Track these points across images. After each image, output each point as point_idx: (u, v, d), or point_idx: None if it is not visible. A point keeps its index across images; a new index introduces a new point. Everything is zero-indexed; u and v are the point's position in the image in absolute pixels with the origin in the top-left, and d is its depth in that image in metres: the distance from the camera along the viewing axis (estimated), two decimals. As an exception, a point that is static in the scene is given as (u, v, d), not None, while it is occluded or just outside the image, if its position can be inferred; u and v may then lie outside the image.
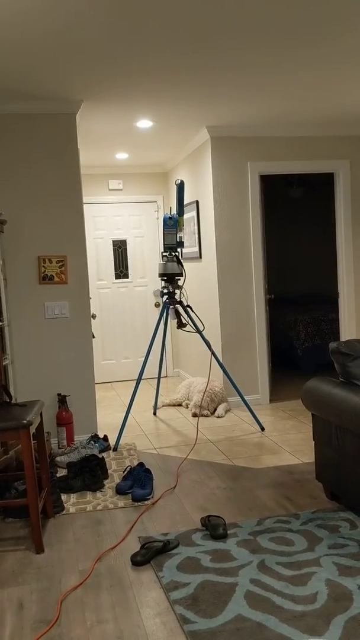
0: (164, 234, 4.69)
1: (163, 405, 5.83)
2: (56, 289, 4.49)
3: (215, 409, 5.42)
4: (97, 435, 4.48)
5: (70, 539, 3.04)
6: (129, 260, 7.20)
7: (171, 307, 4.78)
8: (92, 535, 3.06)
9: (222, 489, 3.60)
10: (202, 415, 5.34)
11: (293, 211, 8.42)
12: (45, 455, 3.30)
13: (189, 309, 4.79)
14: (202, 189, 5.83)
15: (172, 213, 4.74)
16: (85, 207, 7.03)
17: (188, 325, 4.78)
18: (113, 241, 7.15)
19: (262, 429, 4.80)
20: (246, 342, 5.64)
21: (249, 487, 3.59)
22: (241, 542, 2.88)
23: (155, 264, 7.24)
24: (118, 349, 7.22)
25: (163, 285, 4.82)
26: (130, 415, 5.55)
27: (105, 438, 4.49)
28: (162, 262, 4.78)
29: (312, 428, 3.38)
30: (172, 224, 4.69)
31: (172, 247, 4.73)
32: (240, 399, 5.43)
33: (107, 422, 5.31)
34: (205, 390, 5.28)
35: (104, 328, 7.16)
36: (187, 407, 5.67)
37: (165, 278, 4.78)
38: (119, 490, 3.58)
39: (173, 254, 4.76)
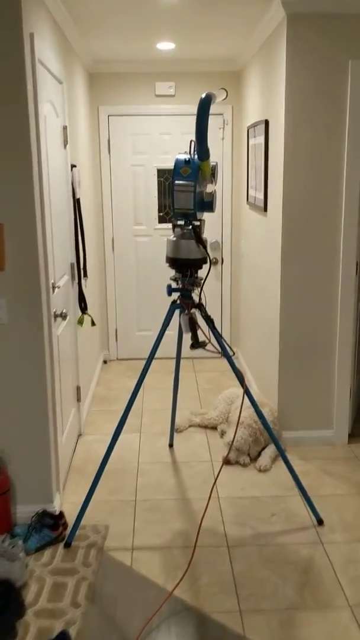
0: (173, 190, 2.72)
1: (190, 425, 4.05)
2: (-14, 279, 2.72)
3: (259, 454, 3.57)
4: (47, 512, 2.84)
5: None
6: (178, 197, 5.21)
7: (184, 313, 2.86)
8: None
9: None
10: (238, 464, 3.52)
11: None
12: None
13: (210, 323, 2.86)
14: (274, 101, 3.68)
15: (191, 155, 2.72)
16: (121, 119, 5.05)
17: (209, 345, 2.86)
18: (158, 170, 5.16)
19: (320, 521, 2.93)
20: (320, 347, 3.65)
21: None
22: None
23: (218, 203, 5.21)
24: (158, 316, 5.42)
25: (173, 276, 2.89)
26: (137, 437, 3.84)
27: (59, 519, 2.83)
28: (171, 237, 2.84)
29: None
30: (189, 174, 2.69)
31: (187, 213, 2.76)
32: (300, 441, 3.58)
33: (97, 457, 3.64)
34: (238, 423, 3.37)
35: (140, 289, 5.36)
36: (221, 437, 3.87)
37: (176, 266, 2.84)
38: None
39: (191, 224, 2.80)
